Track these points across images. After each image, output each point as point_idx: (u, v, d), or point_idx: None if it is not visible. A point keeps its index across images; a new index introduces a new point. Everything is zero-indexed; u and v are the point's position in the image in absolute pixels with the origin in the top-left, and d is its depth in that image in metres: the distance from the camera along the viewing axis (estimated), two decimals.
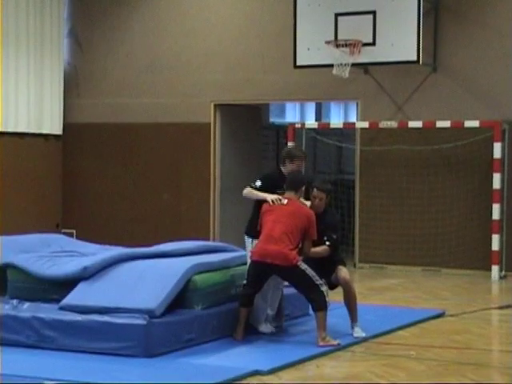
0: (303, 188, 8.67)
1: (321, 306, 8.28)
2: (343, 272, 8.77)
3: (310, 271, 8.28)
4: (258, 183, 8.78)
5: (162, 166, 15.83)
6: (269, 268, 8.32)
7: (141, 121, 15.95)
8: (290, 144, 14.12)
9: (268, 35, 14.97)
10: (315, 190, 8.74)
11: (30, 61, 15.77)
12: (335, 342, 8.26)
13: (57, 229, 15.37)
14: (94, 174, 16.31)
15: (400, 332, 9.12)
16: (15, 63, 15.49)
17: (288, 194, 8.57)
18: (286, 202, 8.49)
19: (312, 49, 13.91)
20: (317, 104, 18.41)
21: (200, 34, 15.54)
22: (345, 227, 14.26)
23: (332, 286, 8.85)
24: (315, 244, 8.54)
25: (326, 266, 8.69)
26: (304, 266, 8.27)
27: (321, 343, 8.19)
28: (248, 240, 8.95)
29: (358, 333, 8.68)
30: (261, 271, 8.39)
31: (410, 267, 14.09)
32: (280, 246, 8.24)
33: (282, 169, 8.93)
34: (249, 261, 8.58)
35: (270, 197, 8.56)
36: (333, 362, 7.83)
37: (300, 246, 8.44)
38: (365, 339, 8.61)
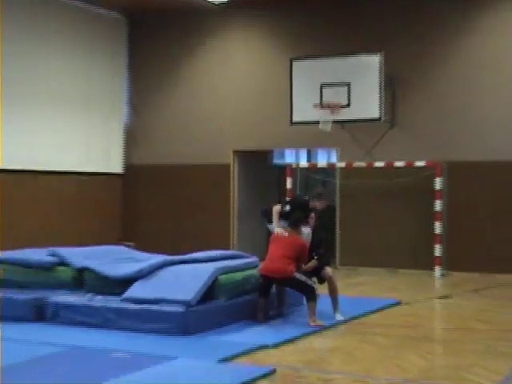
0: (301, 225, 8.68)
1: (310, 297, 8.32)
2: (328, 271, 8.82)
3: (303, 278, 8.35)
4: (287, 207, 8.91)
5: (196, 195, 15.85)
6: (272, 279, 8.45)
7: (180, 162, 16.00)
8: (288, 180, 14.23)
9: (273, 100, 15.03)
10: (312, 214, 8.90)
11: (102, 120, 15.92)
12: (322, 323, 8.27)
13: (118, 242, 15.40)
14: (146, 203, 16.34)
15: (369, 316, 9.12)
16: (92, 122, 15.66)
17: (290, 229, 8.62)
18: (287, 234, 8.56)
19: (304, 109, 13.97)
20: (308, 150, 18.39)
21: (224, 100, 15.63)
22: (329, 239, 14.24)
23: (321, 281, 8.87)
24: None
25: (317, 267, 8.75)
26: (298, 275, 8.34)
27: (311, 324, 8.20)
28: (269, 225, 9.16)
29: (339, 317, 8.68)
30: (267, 281, 8.50)
31: (376, 268, 14.06)
32: (279, 264, 8.33)
33: (311, 203, 9.03)
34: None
35: (277, 229, 8.66)
36: (321, 339, 7.84)
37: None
38: (344, 322, 8.61)
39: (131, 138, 16.55)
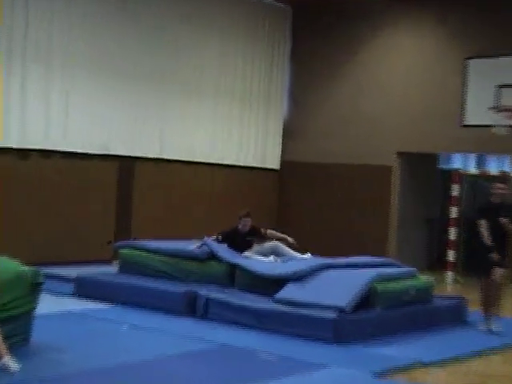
0: None
1: None
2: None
3: None
4: None
5: (352, 195, 15.55)
6: None
7: (337, 161, 15.76)
8: (455, 187, 13.81)
9: (443, 100, 14.54)
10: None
11: (260, 115, 16.01)
12: None
13: None
14: (300, 199, 16.28)
15: None
16: (248, 117, 15.77)
17: None
18: None
19: (477, 111, 13.47)
20: (476, 155, 17.70)
21: (390, 98, 15.24)
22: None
23: None
24: None
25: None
26: None
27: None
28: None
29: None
30: None
31: None
32: None
33: None
34: None
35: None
36: (485, 362, 7.47)
37: None
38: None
39: (289, 133, 16.58)
